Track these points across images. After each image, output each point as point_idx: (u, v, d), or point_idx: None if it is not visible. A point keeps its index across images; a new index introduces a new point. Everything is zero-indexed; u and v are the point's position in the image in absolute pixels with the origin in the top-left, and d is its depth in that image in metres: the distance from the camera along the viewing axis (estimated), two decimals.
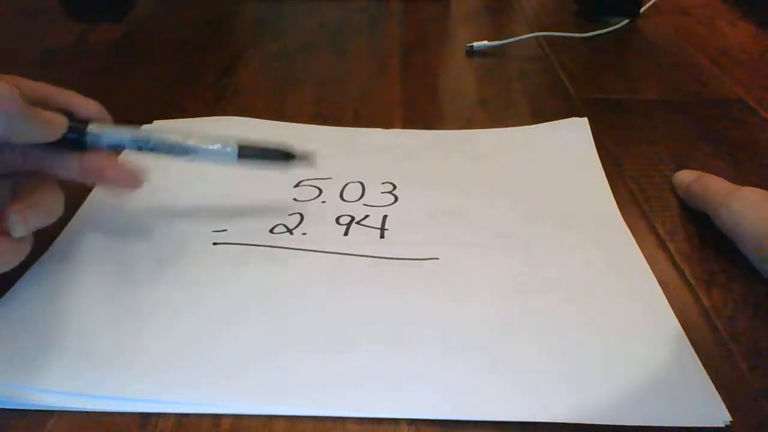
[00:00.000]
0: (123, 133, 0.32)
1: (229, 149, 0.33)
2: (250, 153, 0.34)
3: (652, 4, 0.67)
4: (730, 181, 0.35)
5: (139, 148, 0.32)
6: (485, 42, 0.59)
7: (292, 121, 0.47)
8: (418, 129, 0.46)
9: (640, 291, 0.32)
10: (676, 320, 0.30)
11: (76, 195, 0.38)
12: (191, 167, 0.41)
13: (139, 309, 0.30)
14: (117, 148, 0.32)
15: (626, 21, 0.64)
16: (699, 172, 0.38)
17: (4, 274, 0.32)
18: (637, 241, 0.35)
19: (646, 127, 0.47)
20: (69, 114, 0.31)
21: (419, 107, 0.50)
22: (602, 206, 0.38)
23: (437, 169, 0.41)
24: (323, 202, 0.38)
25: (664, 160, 0.43)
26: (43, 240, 0.34)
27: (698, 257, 0.34)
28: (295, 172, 0.40)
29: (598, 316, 0.30)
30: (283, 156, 0.34)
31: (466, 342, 0.29)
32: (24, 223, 0.27)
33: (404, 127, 0.47)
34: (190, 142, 0.33)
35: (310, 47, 0.61)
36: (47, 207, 0.29)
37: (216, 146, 0.33)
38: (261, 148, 0.34)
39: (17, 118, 0.27)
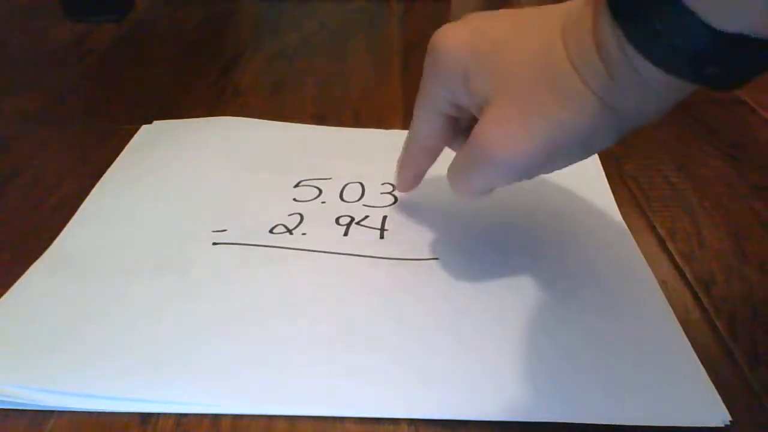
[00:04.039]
0: None
1: None
2: None
3: None
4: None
5: None
6: None
7: (292, 121, 0.47)
8: None
9: (640, 291, 0.32)
10: (676, 320, 0.30)
11: (75, 195, 0.38)
12: (191, 167, 0.41)
13: (139, 309, 0.30)
14: None
15: None
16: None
17: (4, 274, 0.32)
18: (637, 241, 0.35)
19: (645, 127, 0.47)
20: None
21: None
22: (602, 206, 0.38)
23: (436, 169, 0.41)
24: (323, 202, 0.38)
25: (664, 160, 0.43)
26: (43, 240, 0.34)
27: (698, 257, 0.34)
28: (295, 172, 0.41)
29: (598, 316, 0.30)
30: None
31: (466, 341, 0.29)
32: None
33: (404, 127, 0.46)
34: None
35: (310, 47, 0.61)
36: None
37: None
38: None
39: None
